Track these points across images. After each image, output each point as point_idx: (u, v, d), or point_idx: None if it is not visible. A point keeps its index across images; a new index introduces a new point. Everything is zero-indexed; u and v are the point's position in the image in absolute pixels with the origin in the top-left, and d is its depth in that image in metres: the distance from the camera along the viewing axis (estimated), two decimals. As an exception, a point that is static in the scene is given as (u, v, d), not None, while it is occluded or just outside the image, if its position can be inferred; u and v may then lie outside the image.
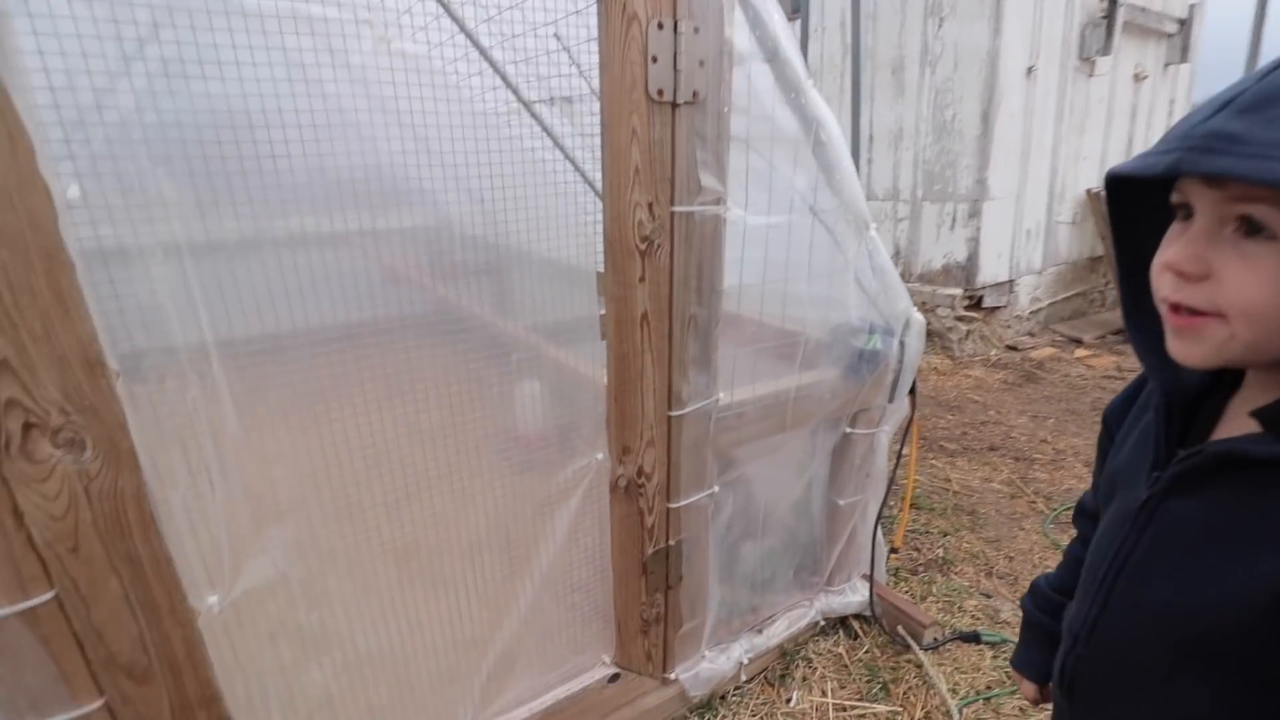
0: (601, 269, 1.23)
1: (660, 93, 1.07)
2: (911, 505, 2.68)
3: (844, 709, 1.73)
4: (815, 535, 1.93)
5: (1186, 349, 0.51)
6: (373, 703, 1.24)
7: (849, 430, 1.77)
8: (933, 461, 3.11)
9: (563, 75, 1.51)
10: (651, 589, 1.51)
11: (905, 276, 4.81)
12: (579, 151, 1.45)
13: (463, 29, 1.21)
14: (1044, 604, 0.85)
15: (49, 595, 0.80)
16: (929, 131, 4.45)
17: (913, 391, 1.81)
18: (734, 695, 1.77)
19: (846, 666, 1.88)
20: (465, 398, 1.17)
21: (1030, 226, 4.80)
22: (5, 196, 0.68)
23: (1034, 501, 2.73)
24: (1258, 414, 0.51)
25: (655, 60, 1.04)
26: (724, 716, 1.70)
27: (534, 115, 1.41)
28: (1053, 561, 2.32)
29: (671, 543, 1.48)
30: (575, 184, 1.39)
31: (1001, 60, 4.09)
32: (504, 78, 1.32)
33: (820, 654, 1.91)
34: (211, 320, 0.83)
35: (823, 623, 1.97)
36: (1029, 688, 0.87)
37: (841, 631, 1.99)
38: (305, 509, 1.04)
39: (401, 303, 1.11)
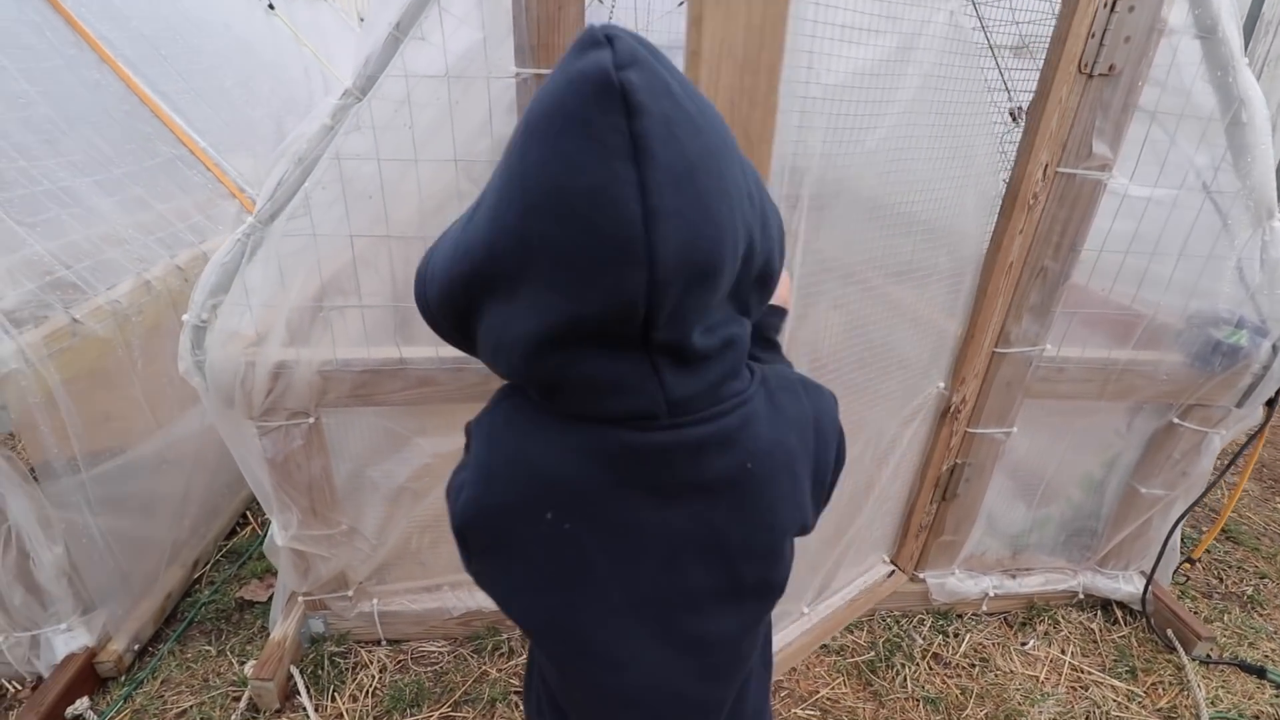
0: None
1: (1083, 65, 1.22)
2: (1229, 537, 2.42)
3: (1080, 671, 1.83)
4: (1102, 512, 1.95)
5: None
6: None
7: (1177, 421, 1.74)
8: (1279, 506, 2.69)
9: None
10: (934, 500, 1.77)
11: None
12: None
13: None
14: None
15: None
16: None
17: (1271, 403, 1.70)
18: (971, 618, 1.97)
19: (1096, 641, 1.93)
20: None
21: None
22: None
23: None
24: None
25: (1093, 36, 1.19)
26: (958, 629, 1.93)
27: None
28: None
29: (959, 461, 1.71)
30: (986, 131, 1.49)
31: None
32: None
33: (1070, 621, 1.99)
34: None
35: (1082, 596, 2.02)
36: None
37: (1100, 611, 2.02)
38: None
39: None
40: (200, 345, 1.34)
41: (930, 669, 1.80)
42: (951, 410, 1.62)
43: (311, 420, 1.46)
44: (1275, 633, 2.01)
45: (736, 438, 0.57)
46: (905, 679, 1.75)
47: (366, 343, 1.40)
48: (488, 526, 0.60)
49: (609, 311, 0.45)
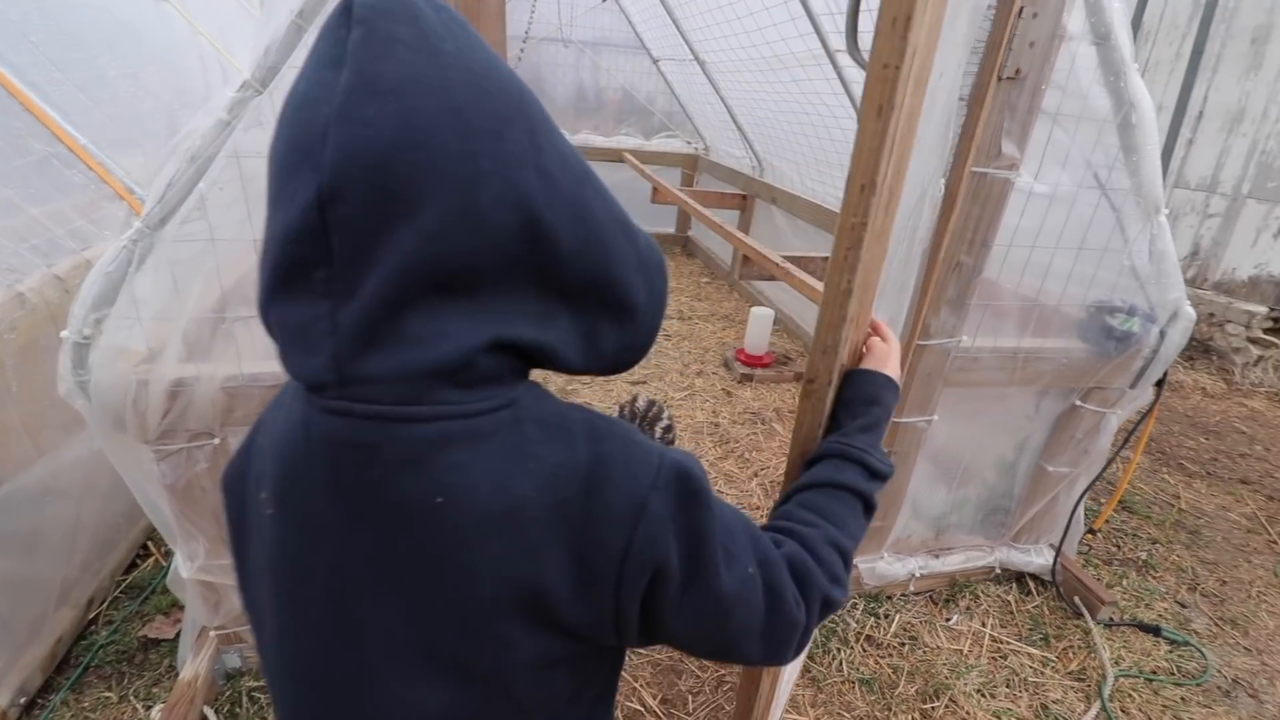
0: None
1: (999, 70, 1.27)
2: (1124, 507, 2.63)
3: (999, 641, 1.93)
4: (1014, 491, 2.07)
5: None
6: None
7: (1079, 403, 1.86)
8: (1165, 476, 2.94)
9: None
10: (857, 484, 1.82)
11: (1196, 281, 4.24)
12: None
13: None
14: None
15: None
16: (1281, 118, 3.77)
17: (1160, 384, 1.84)
18: (900, 598, 2.05)
19: (1012, 612, 2.05)
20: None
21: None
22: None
23: (1275, 542, 2.51)
24: None
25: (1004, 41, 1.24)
26: (888, 610, 2.00)
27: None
28: (1275, 600, 2.20)
29: (886, 449, 1.76)
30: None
31: None
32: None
33: (989, 595, 2.10)
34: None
35: (999, 571, 2.14)
36: None
37: (1015, 584, 2.14)
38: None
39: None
40: (83, 364, 1.21)
41: (864, 651, 1.86)
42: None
43: (217, 441, 1.35)
44: (1167, 593, 2.19)
45: (428, 457, 0.45)
46: (841, 662, 1.80)
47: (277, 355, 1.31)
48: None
49: (291, 228, 0.42)
